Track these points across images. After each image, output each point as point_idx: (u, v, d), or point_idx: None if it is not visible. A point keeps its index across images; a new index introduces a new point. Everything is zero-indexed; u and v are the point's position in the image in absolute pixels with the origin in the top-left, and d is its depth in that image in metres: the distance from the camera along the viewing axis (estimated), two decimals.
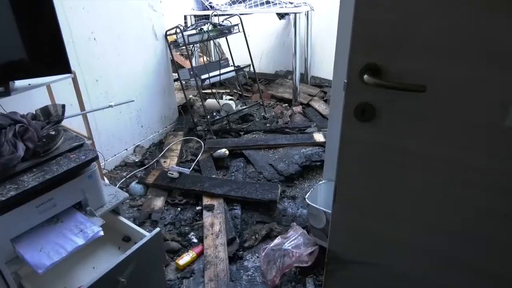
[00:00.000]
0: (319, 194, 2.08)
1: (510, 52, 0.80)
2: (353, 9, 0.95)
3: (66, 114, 1.83)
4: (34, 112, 1.73)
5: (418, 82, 0.91)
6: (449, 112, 0.92)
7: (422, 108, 0.95)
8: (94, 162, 1.59)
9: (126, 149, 3.10)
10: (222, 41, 4.42)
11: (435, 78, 0.90)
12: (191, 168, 2.79)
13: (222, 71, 3.39)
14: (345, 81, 1.04)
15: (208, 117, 3.43)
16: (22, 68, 1.82)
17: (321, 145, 2.96)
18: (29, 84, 1.85)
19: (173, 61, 3.50)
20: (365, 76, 0.95)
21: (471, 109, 0.89)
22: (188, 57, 3.46)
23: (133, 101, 2.67)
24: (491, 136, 0.89)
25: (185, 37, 3.14)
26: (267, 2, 3.74)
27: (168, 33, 3.27)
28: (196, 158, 2.96)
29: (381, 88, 0.95)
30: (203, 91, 3.96)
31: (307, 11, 4.07)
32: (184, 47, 3.33)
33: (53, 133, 1.55)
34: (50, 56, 1.85)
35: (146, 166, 2.94)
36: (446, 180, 1.00)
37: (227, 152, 2.92)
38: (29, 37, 1.78)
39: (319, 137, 3.06)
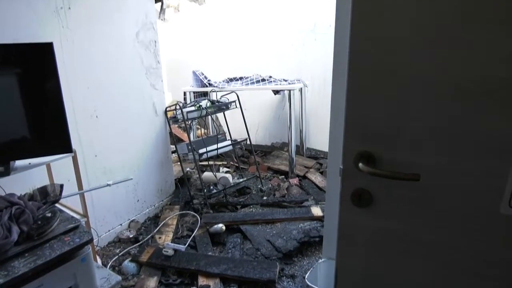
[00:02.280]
0: (319, 274, 2.01)
1: (496, 143, 0.84)
2: (345, 103, 1.01)
3: (63, 193, 1.83)
4: (31, 192, 1.73)
5: (412, 170, 0.94)
6: (445, 199, 0.94)
7: (418, 195, 0.97)
8: (89, 245, 1.56)
9: (121, 224, 3.04)
10: (219, 114, 4.58)
11: (429, 166, 0.93)
12: (187, 244, 2.72)
13: (220, 145, 3.46)
14: (341, 167, 1.07)
15: (205, 190, 3.43)
16: (24, 147, 1.86)
17: (319, 219, 2.93)
18: (30, 163, 1.87)
19: (171, 134, 3.59)
20: (360, 164, 0.98)
21: (466, 196, 0.91)
22: (187, 131, 3.55)
23: (131, 179, 2.69)
24: (489, 223, 0.90)
25: (184, 113, 3.26)
26: (263, 80, 3.95)
27: (168, 109, 3.40)
28: (192, 233, 2.90)
29: (376, 176, 0.98)
30: (200, 163, 4.01)
31: (301, 88, 4.28)
32: (183, 122, 3.43)
33: (49, 214, 1.54)
34: (52, 135, 1.90)
35: (141, 242, 2.86)
36: (447, 266, 0.98)
37: (224, 227, 2.87)
38: (34, 117, 1.85)
39: (316, 211, 3.04)
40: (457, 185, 0.91)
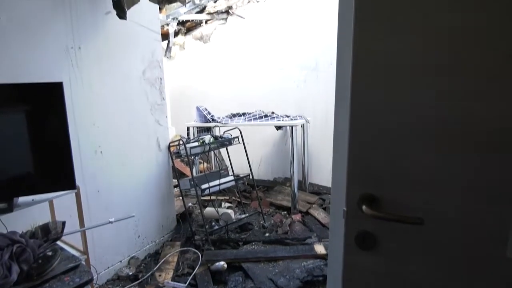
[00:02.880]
0: None
1: (497, 186, 0.84)
2: (347, 146, 1.03)
3: (65, 230, 1.82)
4: (33, 230, 1.72)
5: (417, 213, 0.94)
6: (449, 242, 0.93)
7: (422, 238, 0.96)
8: (88, 285, 1.53)
9: (120, 261, 2.98)
10: (222, 149, 4.61)
11: (433, 210, 0.93)
12: (187, 282, 2.66)
13: (222, 180, 3.46)
14: (344, 209, 1.07)
15: (207, 226, 3.39)
16: (28, 184, 1.87)
17: (323, 257, 2.87)
18: (33, 200, 1.88)
19: (174, 168, 3.60)
20: (364, 207, 0.98)
21: (471, 240, 0.90)
22: (189, 166, 3.57)
23: (133, 216, 2.68)
24: (495, 267, 0.89)
25: (188, 149, 3.28)
26: (266, 116, 4.01)
27: (171, 144, 3.44)
28: (193, 271, 2.84)
29: (380, 219, 0.98)
30: (202, 197, 3.99)
31: (303, 124, 4.33)
32: (186, 157, 3.45)
33: (49, 253, 1.52)
34: (57, 172, 1.91)
35: (140, 280, 2.80)
36: None
37: (225, 265, 2.81)
38: (40, 154, 1.87)
39: (320, 248, 2.99)
40: (461, 228, 0.91)
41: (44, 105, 1.81)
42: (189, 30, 5.43)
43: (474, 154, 0.86)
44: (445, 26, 0.86)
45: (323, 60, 4.36)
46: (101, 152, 2.74)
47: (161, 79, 3.27)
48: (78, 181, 2.05)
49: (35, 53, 2.24)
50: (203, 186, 3.33)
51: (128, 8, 2.54)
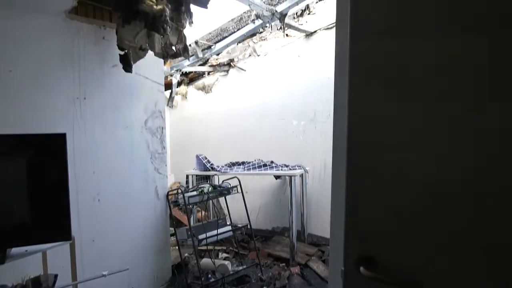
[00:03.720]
0: None
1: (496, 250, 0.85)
2: (345, 206, 1.04)
3: (57, 283, 1.78)
4: (24, 283, 1.67)
5: (416, 274, 0.93)
6: None
7: None
8: None
9: None
10: (220, 198, 4.58)
11: (431, 272, 0.92)
12: None
13: (220, 230, 3.42)
14: (342, 268, 1.06)
15: (203, 279, 3.29)
16: (23, 234, 1.85)
17: None
18: (26, 251, 1.85)
19: (171, 216, 3.56)
20: (361, 268, 0.97)
21: None
22: (187, 215, 3.53)
23: (127, 269, 2.61)
24: None
25: (186, 198, 3.27)
26: (264, 165, 4.03)
27: (170, 193, 3.43)
28: None
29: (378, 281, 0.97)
30: (199, 247, 3.90)
31: (302, 173, 4.35)
32: (184, 206, 3.43)
33: None
34: (53, 223, 1.90)
35: None
36: None
37: None
38: (37, 204, 1.86)
39: None
40: None
41: (46, 156, 1.83)
42: (191, 80, 5.62)
43: (474, 214, 0.87)
44: (433, 96, 0.90)
45: (321, 111, 4.47)
46: (99, 200, 2.73)
47: (162, 128, 3.34)
48: (73, 230, 2.02)
49: (43, 103, 2.31)
50: (201, 237, 3.28)
51: (134, 62, 2.66)
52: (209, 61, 5.15)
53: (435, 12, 0.90)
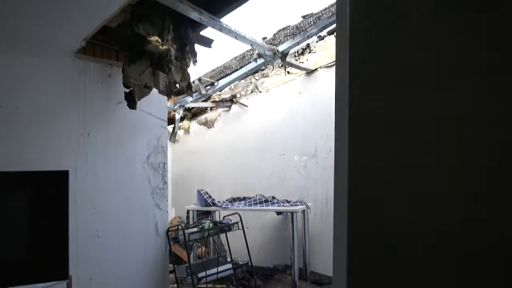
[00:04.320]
0: None
1: None
2: (346, 244, 1.03)
3: None
4: None
5: None
6: None
7: None
8: None
9: None
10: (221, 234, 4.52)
11: None
12: None
13: (220, 268, 3.35)
14: None
15: None
16: (20, 273, 1.82)
17: None
18: None
19: (170, 252, 3.50)
20: None
21: None
22: (187, 252, 3.47)
23: None
24: None
25: (186, 235, 3.24)
26: (266, 201, 4.01)
27: (170, 229, 3.39)
28: None
29: None
30: (198, 286, 3.80)
31: (303, 210, 4.31)
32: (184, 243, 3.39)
33: None
34: (51, 262, 1.87)
35: None
36: None
37: None
38: (36, 242, 1.85)
39: None
40: None
41: (48, 193, 1.84)
42: (194, 115, 5.70)
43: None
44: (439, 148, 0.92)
45: (322, 146, 4.49)
46: (98, 236, 2.70)
47: (164, 163, 3.36)
48: (71, 267, 1.99)
49: (47, 140, 2.35)
50: (200, 275, 3.21)
51: (139, 99, 2.72)
52: (212, 97, 5.26)
53: (435, 63, 0.93)
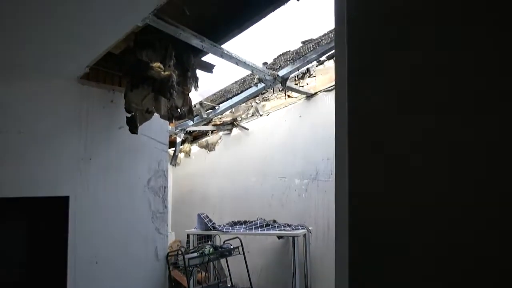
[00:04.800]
0: None
1: None
2: (347, 270, 1.02)
3: None
4: None
5: None
6: None
7: None
8: None
9: None
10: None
11: None
12: None
13: None
14: None
15: None
16: None
17: None
18: None
19: (170, 277, 3.44)
20: None
21: None
22: (187, 278, 3.42)
23: None
24: None
25: (186, 260, 3.20)
26: (267, 225, 3.98)
27: (170, 253, 3.35)
28: None
29: None
30: None
31: (305, 234, 4.27)
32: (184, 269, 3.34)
33: None
34: (50, 287, 1.85)
35: None
36: None
37: None
38: (33, 267, 1.83)
39: None
40: None
41: (47, 218, 1.84)
42: (195, 138, 5.73)
43: None
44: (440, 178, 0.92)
45: (323, 169, 4.49)
46: (96, 262, 2.67)
47: (165, 187, 3.35)
48: None
49: (49, 165, 2.35)
50: None
51: (141, 124, 2.75)
52: (213, 120, 5.29)
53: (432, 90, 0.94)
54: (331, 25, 3.53)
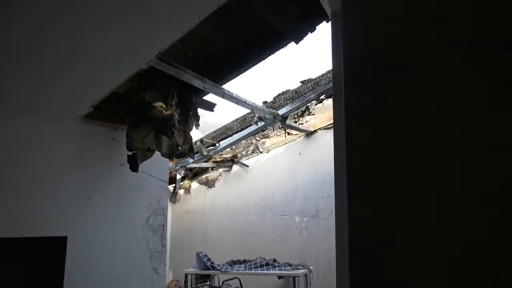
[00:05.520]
0: None
1: None
2: None
3: None
4: None
5: None
6: None
7: None
8: None
9: None
10: None
11: None
12: None
13: None
14: None
15: None
16: None
17: None
18: None
19: None
20: None
21: None
22: None
23: None
24: None
25: None
26: (267, 264, 3.89)
27: None
28: None
29: None
30: None
31: (305, 273, 4.17)
32: None
33: None
34: None
35: None
36: None
37: None
38: None
39: None
40: None
41: (45, 258, 1.81)
42: (195, 174, 5.73)
43: None
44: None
45: (323, 207, 4.46)
46: None
47: (164, 226, 3.31)
48: None
49: (47, 204, 2.35)
50: None
51: (141, 162, 2.76)
52: (213, 157, 5.32)
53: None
54: (330, 66, 3.64)
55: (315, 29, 2.43)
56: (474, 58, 0.79)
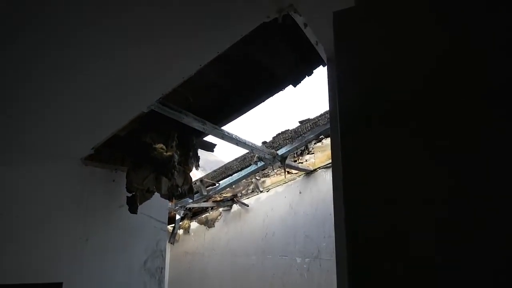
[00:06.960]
0: None
1: None
2: None
3: None
4: None
5: None
6: None
7: None
8: None
9: None
10: None
11: None
12: None
13: None
14: None
15: None
16: None
17: None
18: None
19: None
20: None
21: None
22: None
23: None
24: None
25: None
26: None
27: None
28: None
29: None
30: None
31: None
32: None
33: None
34: None
35: None
36: None
37: None
38: None
39: None
40: None
41: None
42: (195, 214, 5.67)
43: None
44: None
45: (325, 248, 4.38)
46: None
47: (162, 268, 3.24)
48: None
49: (43, 249, 2.32)
50: None
51: (141, 203, 2.76)
52: (213, 196, 5.29)
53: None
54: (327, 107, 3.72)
55: (312, 72, 2.50)
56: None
